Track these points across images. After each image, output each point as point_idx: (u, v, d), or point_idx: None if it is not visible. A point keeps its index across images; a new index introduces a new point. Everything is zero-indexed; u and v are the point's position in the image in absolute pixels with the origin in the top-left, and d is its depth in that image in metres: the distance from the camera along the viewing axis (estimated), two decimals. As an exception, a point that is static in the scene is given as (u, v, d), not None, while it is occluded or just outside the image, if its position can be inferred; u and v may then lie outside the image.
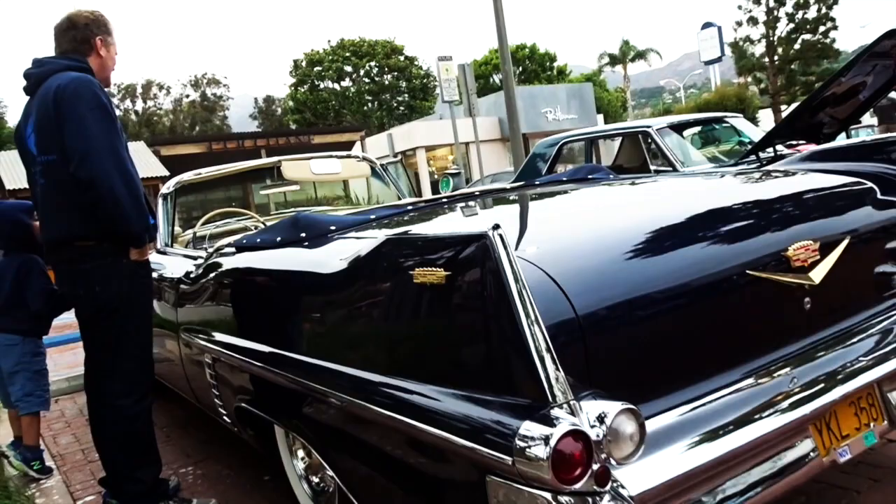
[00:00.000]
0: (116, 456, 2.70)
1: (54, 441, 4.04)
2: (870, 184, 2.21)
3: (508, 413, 1.23)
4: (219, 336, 2.53)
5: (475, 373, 1.36)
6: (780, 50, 39.81)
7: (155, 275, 3.06)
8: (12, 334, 3.26)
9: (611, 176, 2.95)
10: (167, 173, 17.05)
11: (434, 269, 1.40)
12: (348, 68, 46.38)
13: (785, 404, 1.56)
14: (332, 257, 1.94)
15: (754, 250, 1.70)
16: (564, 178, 2.99)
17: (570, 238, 1.74)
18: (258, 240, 2.51)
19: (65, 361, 5.92)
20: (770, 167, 2.72)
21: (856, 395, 1.70)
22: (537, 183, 2.98)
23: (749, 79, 42.26)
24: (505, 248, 1.25)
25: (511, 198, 2.64)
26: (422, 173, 26.37)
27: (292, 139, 22.32)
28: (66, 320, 4.38)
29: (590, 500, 1.18)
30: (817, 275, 1.73)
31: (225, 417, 2.76)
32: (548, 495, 1.19)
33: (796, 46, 39.36)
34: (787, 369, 1.67)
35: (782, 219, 1.86)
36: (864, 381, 1.69)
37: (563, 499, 1.19)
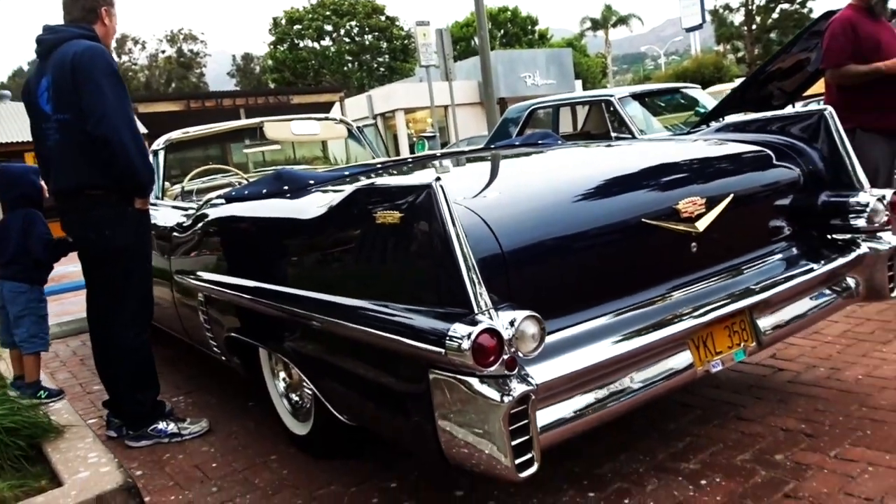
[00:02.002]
0: (120, 381, 3.09)
1: (52, 377, 4.41)
2: (767, 151, 2.63)
3: (444, 319, 1.63)
4: (211, 276, 2.90)
5: (423, 292, 1.76)
6: (758, 19, 40.19)
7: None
8: (21, 282, 3.60)
9: (558, 142, 3.34)
10: (145, 131, 17.06)
11: (391, 211, 1.79)
12: (328, 27, 45.92)
13: (666, 323, 1.98)
14: (311, 206, 2.32)
15: (651, 203, 2.11)
16: (517, 143, 3.38)
17: (504, 191, 2.14)
18: (246, 192, 2.88)
19: (53, 311, 6.25)
20: (690, 136, 3.12)
21: (728, 319, 2.13)
22: (492, 147, 3.37)
23: (728, 47, 42.66)
24: (444, 195, 1.64)
25: (466, 159, 3.03)
26: (401, 135, 26.56)
27: (271, 99, 22.33)
28: (55, 273, 4.72)
29: (502, 381, 1.60)
30: (702, 224, 2.14)
31: (215, 349, 3.14)
32: (470, 379, 1.60)
33: (774, 16, 39.74)
34: (674, 297, 2.10)
35: (679, 178, 2.27)
36: (735, 307, 2.12)
37: (482, 384, 1.60)
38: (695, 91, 7.49)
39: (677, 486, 2.13)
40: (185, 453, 2.94)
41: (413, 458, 2.53)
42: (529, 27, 46.67)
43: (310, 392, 2.55)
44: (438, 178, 1.66)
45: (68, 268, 4.15)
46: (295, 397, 2.78)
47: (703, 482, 2.13)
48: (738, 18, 40.88)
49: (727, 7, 40.67)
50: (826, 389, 2.69)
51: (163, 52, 59.12)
